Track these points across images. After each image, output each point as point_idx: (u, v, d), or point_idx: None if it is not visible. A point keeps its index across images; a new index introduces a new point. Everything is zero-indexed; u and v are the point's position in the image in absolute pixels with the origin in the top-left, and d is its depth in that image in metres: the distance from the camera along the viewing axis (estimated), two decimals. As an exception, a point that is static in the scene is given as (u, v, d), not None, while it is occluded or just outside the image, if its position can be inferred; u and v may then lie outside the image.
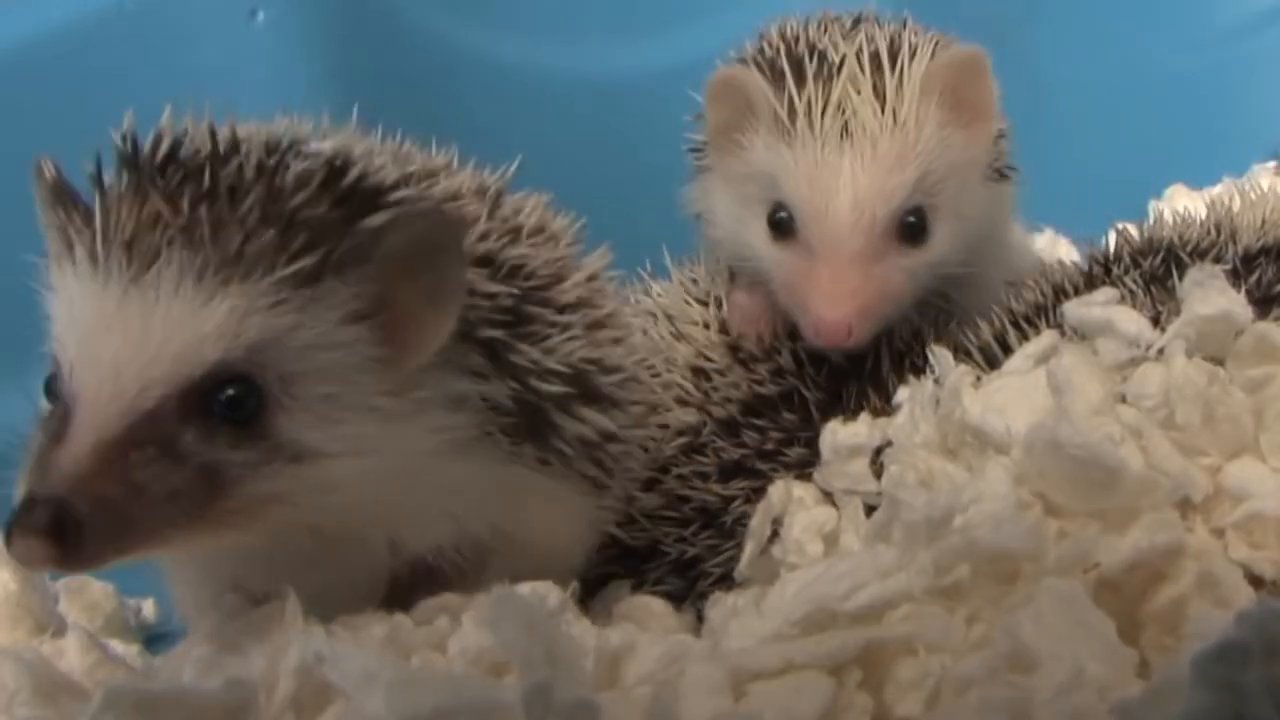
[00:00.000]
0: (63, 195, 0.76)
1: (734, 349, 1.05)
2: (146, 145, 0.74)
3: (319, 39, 1.39)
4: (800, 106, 0.99)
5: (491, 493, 0.82)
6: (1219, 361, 0.86)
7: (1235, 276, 0.91)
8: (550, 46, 1.61)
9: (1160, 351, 0.87)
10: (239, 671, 0.66)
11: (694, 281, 1.13)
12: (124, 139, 0.75)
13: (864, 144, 0.98)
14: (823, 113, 0.98)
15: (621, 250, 1.01)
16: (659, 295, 1.14)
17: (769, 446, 1.00)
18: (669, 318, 1.09)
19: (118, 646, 0.91)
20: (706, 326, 1.08)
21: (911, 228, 1.01)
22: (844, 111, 0.98)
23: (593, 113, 1.59)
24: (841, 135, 0.98)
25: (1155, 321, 0.90)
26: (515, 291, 0.81)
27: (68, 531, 0.66)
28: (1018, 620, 0.71)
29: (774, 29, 1.09)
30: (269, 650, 0.70)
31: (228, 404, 0.71)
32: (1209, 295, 0.87)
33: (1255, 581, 0.77)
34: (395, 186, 0.77)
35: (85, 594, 1.01)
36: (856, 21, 1.07)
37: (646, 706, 0.66)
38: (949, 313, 1.09)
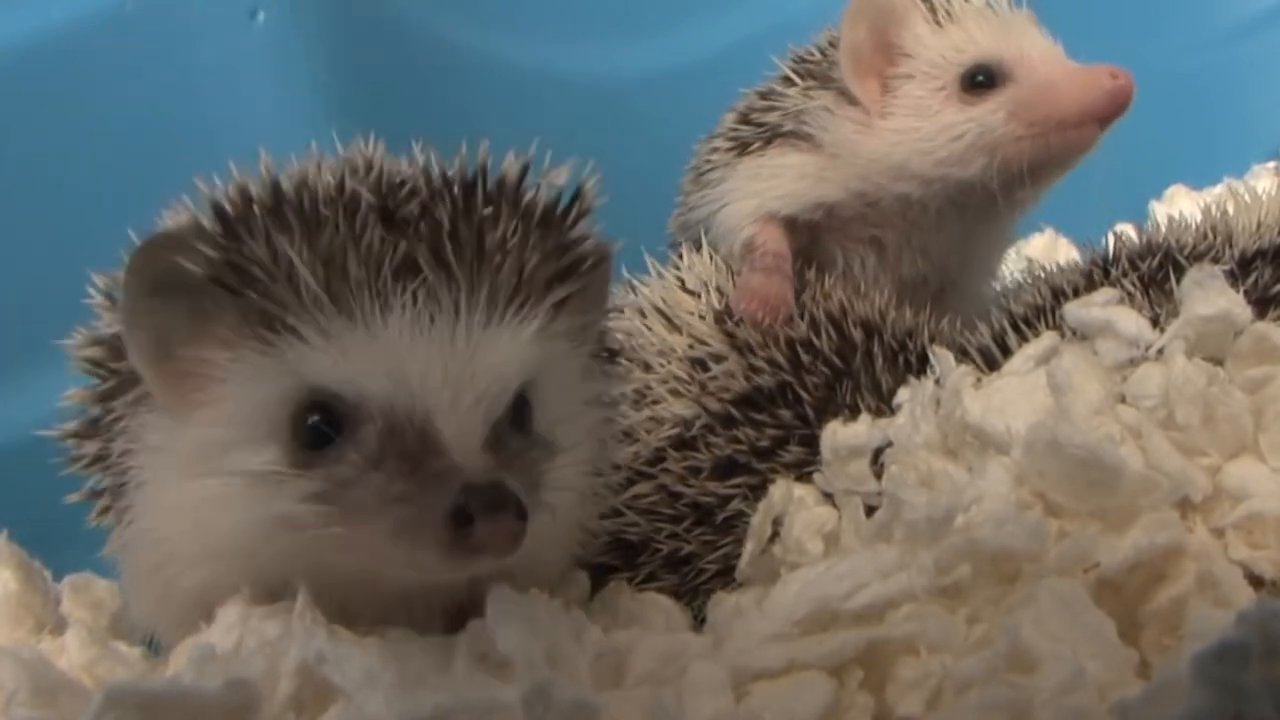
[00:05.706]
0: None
1: (731, 336, 1.05)
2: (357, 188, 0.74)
3: (319, 39, 1.39)
4: None
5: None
6: (1218, 362, 0.86)
7: (1232, 279, 0.91)
8: (550, 46, 1.61)
9: (1160, 352, 0.87)
10: (240, 671, 0.66)
11: (681, 281, 1.13)
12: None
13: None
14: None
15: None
16: (649, 289, 1.13)
17: (764, 444, 1.00)
18: (661, 311, 1.09)
19: (121, 647, 0.90)
20: (702, 318, 1.08)
21: None
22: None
23: (592, 113, 1.59)
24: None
25: (1154, 323, 0.90)
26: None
27: (516, 506, 0.67)
28: (1018, 620, 0.71)
29: None
30: (270, 650, 0.70)
31: (519, 412, 0.75)
32: (1208, 295, 0.87)
33: (1255, 581, 0.78)
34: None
35: (90, 592, 0.99)
36: None
37: (647, 706, 0.66)
38: (943, 310, 1.10)
